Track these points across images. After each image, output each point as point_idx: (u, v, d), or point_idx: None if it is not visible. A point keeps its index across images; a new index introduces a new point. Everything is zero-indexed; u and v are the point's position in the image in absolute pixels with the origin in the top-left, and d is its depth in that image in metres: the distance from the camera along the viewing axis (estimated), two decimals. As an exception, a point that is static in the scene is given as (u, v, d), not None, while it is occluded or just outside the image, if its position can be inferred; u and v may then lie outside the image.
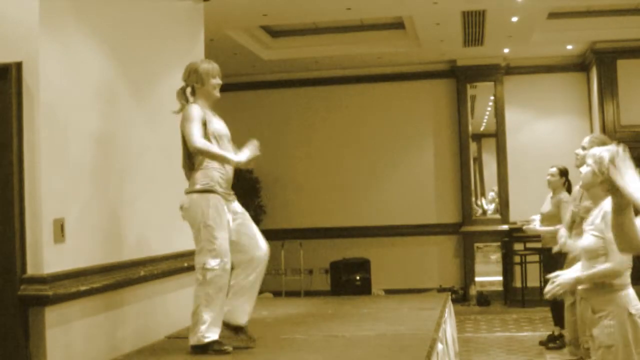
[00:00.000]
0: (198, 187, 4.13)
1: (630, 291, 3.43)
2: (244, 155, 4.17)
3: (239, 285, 4.25)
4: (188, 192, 4.18)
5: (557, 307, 7.11)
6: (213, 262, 4.06)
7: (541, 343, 7.20)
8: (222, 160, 4.13)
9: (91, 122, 4.27)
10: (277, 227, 10.98)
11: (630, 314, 3.37)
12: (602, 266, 3.41)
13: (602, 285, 3.43)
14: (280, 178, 11.23)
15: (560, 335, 7.02)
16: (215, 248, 4.07)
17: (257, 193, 10.98)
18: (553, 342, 7.07)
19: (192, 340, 4.11)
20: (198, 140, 4.06)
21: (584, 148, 4.66)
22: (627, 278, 3.44)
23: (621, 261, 3.36)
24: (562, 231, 5.72)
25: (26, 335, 3.66)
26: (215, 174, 4.15)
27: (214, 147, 4.12)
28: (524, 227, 7.01)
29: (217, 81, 4.27)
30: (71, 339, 3.89)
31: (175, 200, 4.53)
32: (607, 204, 3.42)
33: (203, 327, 4.07)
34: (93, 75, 4.33)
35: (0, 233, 3.69)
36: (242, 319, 4.26)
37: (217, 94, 4.28)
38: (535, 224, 6.86)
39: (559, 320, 7.03)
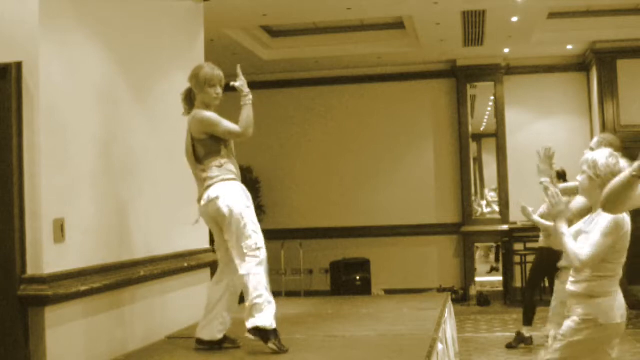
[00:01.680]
0: (218, 178, 4.06)
1: (610, 300, 3.44)
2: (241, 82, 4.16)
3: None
4: (210, 186, 4.06)
5: (531, 306, 7.25)
6: (261, 241, 3.99)
7: (507, 346, 7.27)
8: (250, 112, 4.11)
9: (91, 121, 4.27)
10: (277, 227, 10.98)
11: (596, 320, 3.41)
12: (578, 249, 3.41)
13: (586, 291, 3.46)
14: (280, 178, 11.23)
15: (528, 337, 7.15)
16: (257, 226, 4.02)
17: (257, 193, 10.97)
18: (524, 343, 7.18)
19: (252, 323, 3.92)
20: (237, 127, 4.06)
21: (592, 149, 4.65)
22: (609, 287, 3.45)
23: (587, 262, 3.38)
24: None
25: (26, 335, 3.65)
26: (231, 169, 4.12)
27: (245, 117, 4.08)
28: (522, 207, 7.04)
29: (217, 90, 4.13)
30: (71, 339, 3.89)
31: (176, 200, 4.53)
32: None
33: (271, 311, 3.94)
34: (93, 75, 4.33)
35: (0, 233, 3.69)
36: (220, 333, 4.22)
37: (215, 103, 4.17)
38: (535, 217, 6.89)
39: (528, 320, 7.18)
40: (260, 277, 3.96)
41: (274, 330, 3.97)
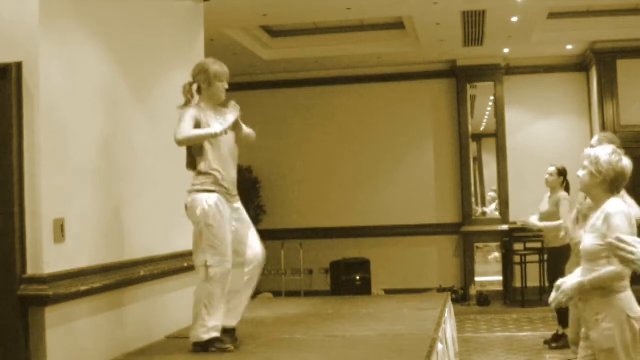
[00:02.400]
0: (198, 187, 4.18)
1: (629, 294, 3.39)
2: (226, 123, 4.18)
3: (233, 287, 4.27)
4: (190, 192, 4.22)
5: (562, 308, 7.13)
6: (214, 260, 4.09)
7: (545, 342, 7.19)
8: (205, 137, 4.13)
9: (91, 122, 4.27)
10: (277, 227, 10.98)
11: (628, 317, 3.34)
12: (605, 269, 3.32)
13: (601, 288, 3.38)
14: (280, 178, 11.22)
15: (563, 335, 7.01)
16: (217, 246, 4.10)
17: (257, 193, 10.98)
18: (556, 342, 7.06)
19: (193, 338, 4.16)
20: (178, 134, 4.08)
21: (592, 147, 4.65)
22: (626, 281, 3.39)
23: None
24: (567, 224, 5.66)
25: (26, 335, 3.66)
26: (216, 176, 4.18)
27: (192, 131, 4.10)
28: (522, 221, 6.99)
29: (224, 85, 4.30)
30: (71, 339, 3.89)
31: (176, 200, 4.54)
32: (608, 205, 3.40)
33: (204, 325, 4.11)
34: (93, 75, 4.33)
35: (1, 233, 3.69)
36: (231, 321, 4.28)
37: (222, 97, 4.31)
38: (533, 219, 6.87)
39: (562, 319, 7.04)
40: (200, 293, 4.13)
41: (209, 341, 4.12)
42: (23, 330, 3.65)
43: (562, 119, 10.90)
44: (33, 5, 3.76)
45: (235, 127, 4.26)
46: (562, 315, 6.97)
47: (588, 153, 3.51)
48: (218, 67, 4.28)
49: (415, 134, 11.20)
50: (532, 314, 9.14)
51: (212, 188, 4.16)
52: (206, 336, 4.11)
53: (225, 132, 4.15)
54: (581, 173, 3.51)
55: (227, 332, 4.26)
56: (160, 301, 4.88)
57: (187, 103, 4.28)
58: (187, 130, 4.10)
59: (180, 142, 4.12)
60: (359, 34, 9.90)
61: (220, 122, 4.19)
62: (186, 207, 4.23)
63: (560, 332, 7.05)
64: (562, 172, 7.06)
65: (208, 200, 4.13)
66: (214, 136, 4.13)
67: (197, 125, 4.15)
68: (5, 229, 3.68)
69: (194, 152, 4.23)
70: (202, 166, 4.19)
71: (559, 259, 6.57)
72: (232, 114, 4.24)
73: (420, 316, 5.16)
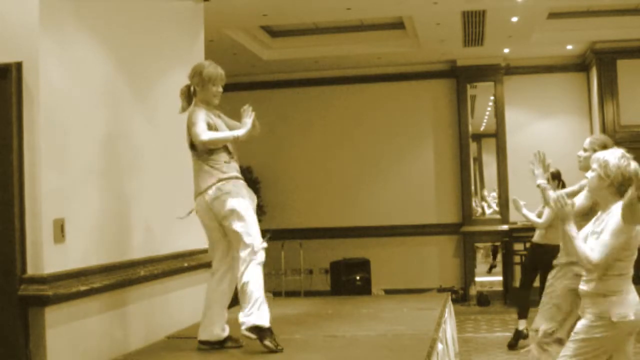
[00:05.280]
0: (233, 174, 4.14)
1: (622, 298, 3.45)
2: (245, 127, 4.11)
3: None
4: (223, 180, 4.10)
5: (525, 302, 7.26)
6: (260, 240, 4.06)
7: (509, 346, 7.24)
8: (230, 140, 4.13)
9: (91, 121, 4.28)
10: (277, 227, 10.98)
11: (610, 319, 3.41)
12: (589, 251, 3.43)
13: (597, 290, 3.47)
14: (280, 178, 11.22)
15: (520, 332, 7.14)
16: (253, 228, 4.06)
17: (257, 193, 10.92)
18: (522, 338, 7.18)
19: (250, 322, 4.02)
20: (202, 135, 4.02)
21: (585, 150, 4.69)
22: (620, 285, 3.45)
23: (598, 264, 3.39)
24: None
25: (26, 335, 3.66)
26: (237, 166, 4.20)
27: (216, 134, 4.09)
28: (514, 199, 6.84)
29: (218, 89, 4.23)
30: (71, 339, 3.89)
31: (176, 200, 4.54)
32: (616, 208, 3.44)
33: (262, 311, 4.03)
34: (93, 75, 4.33)
35: (1, 233, 3.69)
36: (225, 330, 4.29)
37: (215, 101, 4.26)
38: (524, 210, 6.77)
39: (521, 311, 7.23)
40: (258, 276, 4.05)
41: (269, 329, 4.06)
42: (23, 330, 3.65)
43: (562, 119, 10.90)
44: (33, 5, 3.76)
45: (253, 129, 4.16)
46: (522, 306, 7.14)
47: (597, 156, 3.58)
48: (212, 69, 4.21)
49: (415, 134, 11.20)
50: (532, 313, 9.09)
51: (239, 176, 4.17)
52: (266, 323, 4.02)
53: (245, 136, 4.10)
54: (590, 175, 3.58)
55: (223, 341, 4.26)
56: (160, 301, 4.88)
57: (185, 107, 4.25)
58: (207, 131, 4.05)
59: (205, 143, 4.04)
60: (359, 34, 9.90)
61: (243, 122, 4.14)
62: (218, 195, 4.07)
63: (521, 328, 7.15)
64: (555, 176, 7.11)
65: (243, 187, 4.14)
66: (236, 139, 4.10)
67: (208, 127, 4.11)
68: (5, 229, 3.69)
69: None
70: (224, 157, 4.14)
71: (546, 256, 6.59)
72: (249, 117, 4.14)
73: (420, 316, 5.15)
